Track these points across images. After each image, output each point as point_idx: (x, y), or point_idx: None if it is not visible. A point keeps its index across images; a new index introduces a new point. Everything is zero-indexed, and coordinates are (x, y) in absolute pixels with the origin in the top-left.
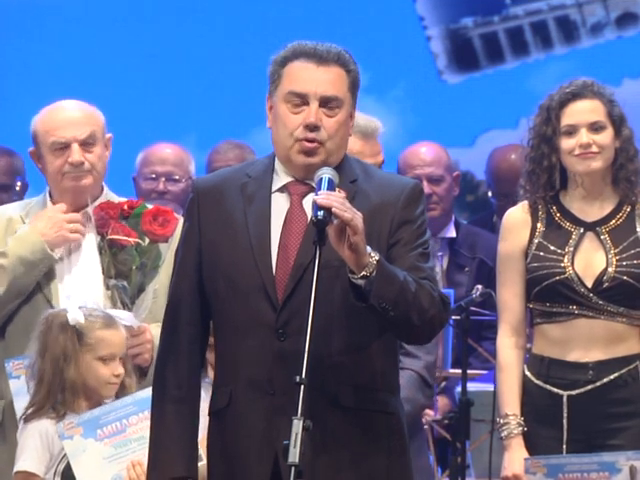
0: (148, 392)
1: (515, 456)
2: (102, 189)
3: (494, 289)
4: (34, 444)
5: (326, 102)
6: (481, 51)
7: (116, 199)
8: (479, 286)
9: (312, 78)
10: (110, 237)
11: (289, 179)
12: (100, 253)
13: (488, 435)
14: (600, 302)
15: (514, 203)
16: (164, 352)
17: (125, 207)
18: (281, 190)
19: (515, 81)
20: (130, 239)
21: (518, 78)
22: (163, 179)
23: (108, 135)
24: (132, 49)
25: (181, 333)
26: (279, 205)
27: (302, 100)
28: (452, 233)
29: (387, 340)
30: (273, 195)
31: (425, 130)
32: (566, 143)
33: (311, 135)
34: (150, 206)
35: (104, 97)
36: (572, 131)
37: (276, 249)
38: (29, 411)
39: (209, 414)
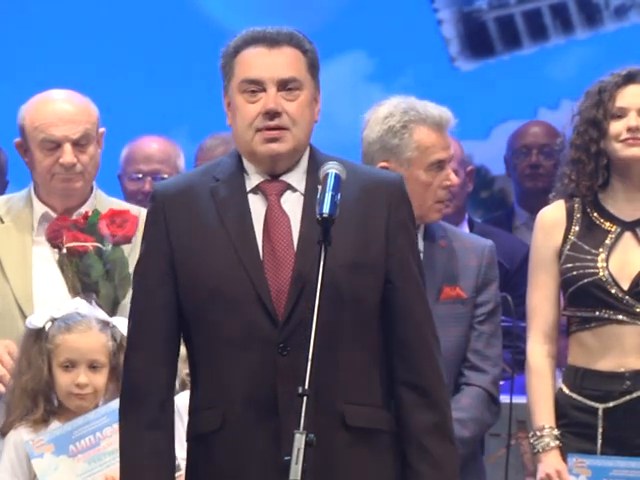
0: None
1: (554, 461)
2: (92, 188)
3: (510, 292)
4: (8, 456)
5: (284, 85)
6: (496, 36)
7: (105, 198)
8: None
9: (265, 62)
10: (67, 246)
11: (261, 178)
12: (62, 270)
13: (504, 450)
14: (635, 305)
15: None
16: (133, 374)
17: (81, 220)
18: (254, 191)
19: (533, 68)
20: (87, 244)
21: (536, 64)
22: (149, 179)
23: (101, 130)
24: (119, 36)
25: (151, 352)
26: (255, 207)
27: (258, 87)
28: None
29: (381, 354)
30: (248, 196)
31: None
32: (614, 127)
33: (272, 123)
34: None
35: (91, 86)
36: (621, 114)
37: (262, 255)
38: (2, 422)
39: (188, 439)
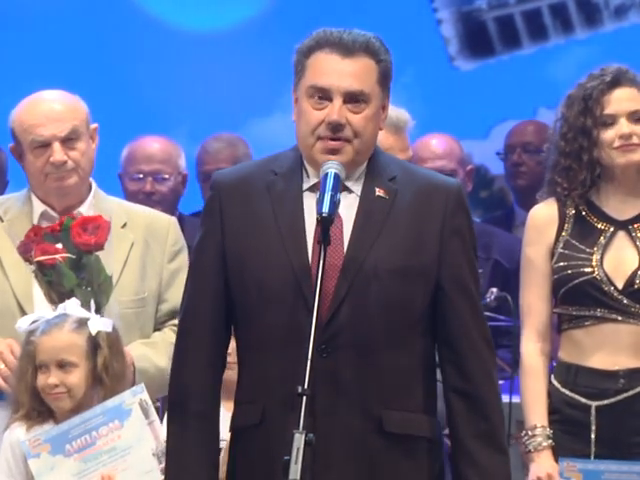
0: (117, 400)
1: (545, 463)
2: (90, 187)
3: (510, 292)
4: (5, 456)
5: (351, 97)
6: (496, 35)
7: (104, 197)
8: (494, 289)
9: (336, 71)
10: (36, 260)
11: (318, 178)
12: (38, 281)
13: None
14: (630, 304)
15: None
16: (182, 363)
17: (57, 227)
18: (311, 189)
19: (533, 68)
20: (57, 256)
21: (536, 65)
22: (150, 179)
23: (93, 126)
24: (117, 34)
25: (202, 342)
26: (310, 205)
27: (325, 95)
28: (474, 232)
29: (428, 360)
30: (303, 194)
31: (436, 121)
32: (605, 135)
33: (335, 135)
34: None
35: (89, 86)
36: (610, 121)
37: (310, 253)
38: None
39: (231, 430)
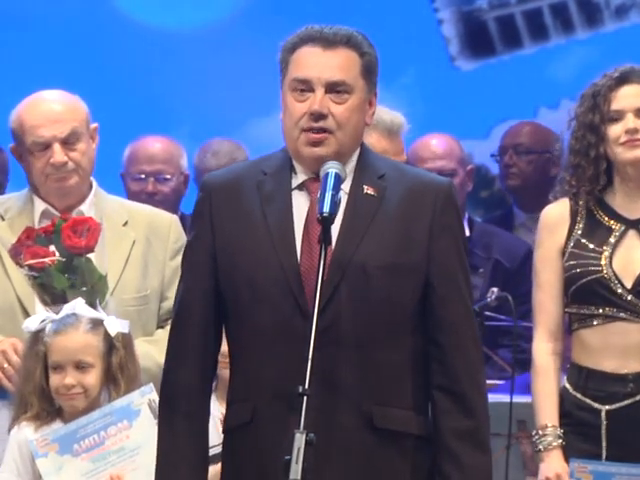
0: (126, 400)
1: (555, 463)
2: (91, 186)
3: (510, 292)
4: (12, 456)
5: (333, 88)
6: (497, 35)
7: (105, 196)
8: (494, 289)
9: (317, 63)
10: (26, 264)
11: (306, 176)
12: (30, 284)
13: (504, 450)
14: (638, 304)
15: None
16: (173, 362)
17: (50, 229)
18: (299, 188)
19: (533, 68)
20: (46, 259)
21: (537, 64)
22: (152, 179)
23: (93, 125)
24: (119, 35)
25: (193, 343)
26: (299, 204)
27: (307, 87)
28: (465, 231)
29: (419, 358)
30: (292, 193)
31: (436, 120)
32: (612, 130)
33: (317, 125)
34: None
35: (89, 86)
36: (618, 117)
37: (299, 251)
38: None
39: (224, 432)
